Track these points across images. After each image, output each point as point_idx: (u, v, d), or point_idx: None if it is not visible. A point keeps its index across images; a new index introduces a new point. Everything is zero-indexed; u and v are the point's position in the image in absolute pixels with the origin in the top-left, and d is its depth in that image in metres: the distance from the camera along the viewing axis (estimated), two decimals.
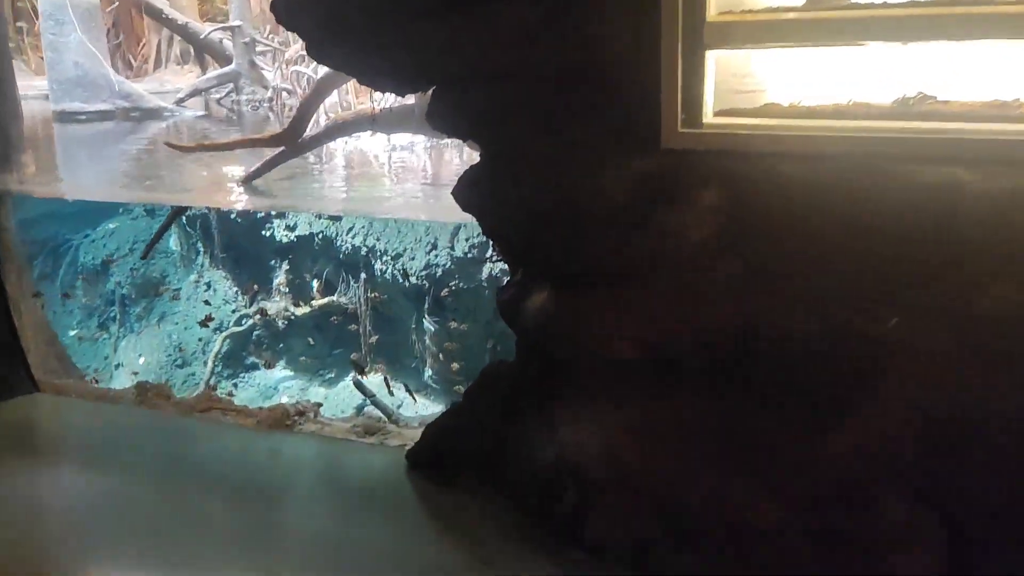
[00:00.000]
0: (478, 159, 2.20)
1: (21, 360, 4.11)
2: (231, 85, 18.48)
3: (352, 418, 4.12)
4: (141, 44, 29.90)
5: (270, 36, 22.01)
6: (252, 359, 8.78)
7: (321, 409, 4.23)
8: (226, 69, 18.37)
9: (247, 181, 5.71)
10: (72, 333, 9.23)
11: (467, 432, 2.82)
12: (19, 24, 23.91)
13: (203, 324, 8.28)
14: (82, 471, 3.08)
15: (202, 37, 19.54)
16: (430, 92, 2.23)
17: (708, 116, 1.91)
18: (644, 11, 1.79)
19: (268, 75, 19.16)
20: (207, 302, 8.73)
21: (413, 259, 7.59)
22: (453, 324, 7.27)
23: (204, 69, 21.05)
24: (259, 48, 19.24)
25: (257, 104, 17.57)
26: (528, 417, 2.51)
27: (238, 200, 5.77)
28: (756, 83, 1.97)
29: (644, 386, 2.00)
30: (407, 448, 3.09)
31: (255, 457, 3.26)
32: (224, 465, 3.16)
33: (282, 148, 5.49)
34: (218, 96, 18.84)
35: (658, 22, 1.80)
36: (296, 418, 3.88)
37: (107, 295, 9.65)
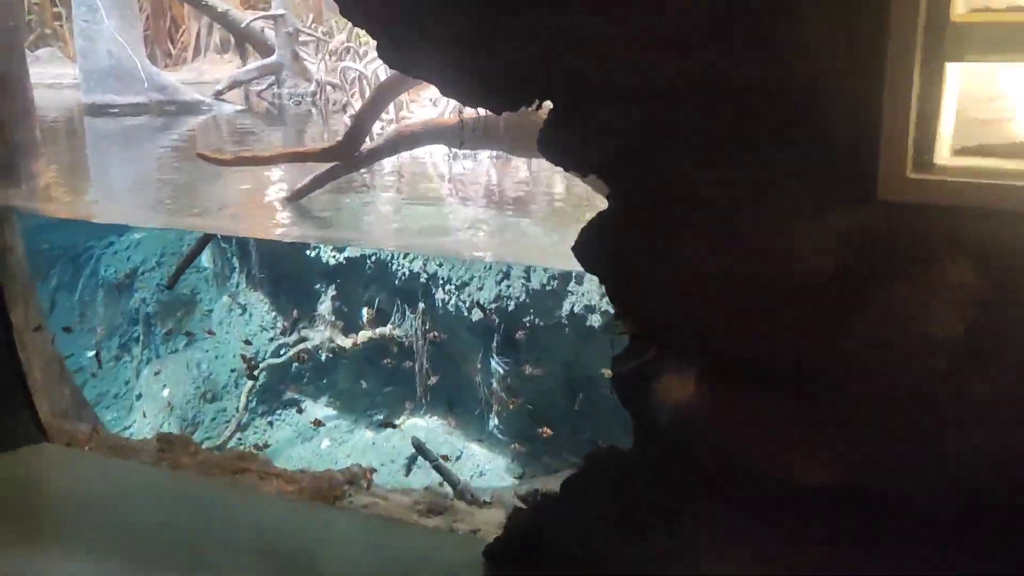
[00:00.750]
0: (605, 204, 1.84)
1: (26, 404, 3.91)
2: (272, 77, 18.64)
3: (412, 491, 3.81)
4: (180, 31, 30.62)
5: (313, 25, 22.27)
6: (290, 394, 8.47)
7: (371, 466, 3.94)
8: (268, 60, 18.54)
9: (293, 200, 5.44)
10: (90, 354, 9.10)
11: (566, 531, 2.46)
12: (56, 9, 24.64)
13: (249, 374, 7.95)
14: (86, 549, 2.84)
15: (243, 26, 19.77)
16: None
17: (943, 155, 1.51)
18: (863, 7, 1.41)
19: (311, 67, 19.30)
20: (248, 342, 8.41)
21: (481, 289, 7.21)
22: (527, 369, 6.85)
23: (244, 59, 21.33)
24: (302, 38, 19.43)
25: (300, 98, 17.63)
26: (651, 526, 2.15)
27: (280, 225, 5.45)
28: (1005, 110, 1.56)
29: (836, 523, 1.61)
30: (482, 536, 2.77)
31: (294, 541, 2.97)
32: (256, 551, 2.88)
33: (335, 163, 5.22)
34: (258, 88, 19.02)
35: (884, 22, 1.42)
36: (346, 487, 3.62)
37: (130, 313, 9.49)
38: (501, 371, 7.08)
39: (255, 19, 19.79)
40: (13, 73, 5.45)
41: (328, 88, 16.58)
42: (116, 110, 14.12)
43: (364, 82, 8.99)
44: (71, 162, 8.01)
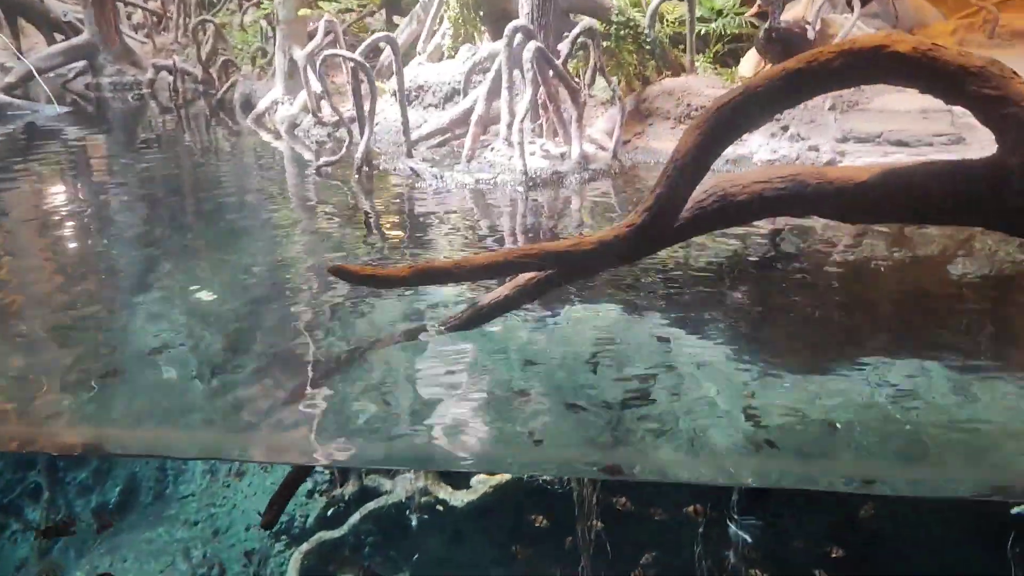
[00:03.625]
0: None
1: None
2: (83, 63, 14.87)
3: None
4: None
5: None
6: None
7: None
8: (77, 40, 14.77)
9: (458, 328, 2.91)
10: None
11: None
12: None
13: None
14: None
15: None
16: None
17: None
18: None
19: (136, 47, 15.65)
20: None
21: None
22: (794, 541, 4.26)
23: (18, 39, 17.18)
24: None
25: (138, 91, 14.07)
26: None
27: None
28: None
29: None
30: None
31: None
32: None
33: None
34: (63, 79, 15.18)
35: None
36: None
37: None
38: (745, 539, 4.63)
39: None
40: None
41: (183, 77, 13.15)
42: None
43: (363, 75, 6.24)
44: None
